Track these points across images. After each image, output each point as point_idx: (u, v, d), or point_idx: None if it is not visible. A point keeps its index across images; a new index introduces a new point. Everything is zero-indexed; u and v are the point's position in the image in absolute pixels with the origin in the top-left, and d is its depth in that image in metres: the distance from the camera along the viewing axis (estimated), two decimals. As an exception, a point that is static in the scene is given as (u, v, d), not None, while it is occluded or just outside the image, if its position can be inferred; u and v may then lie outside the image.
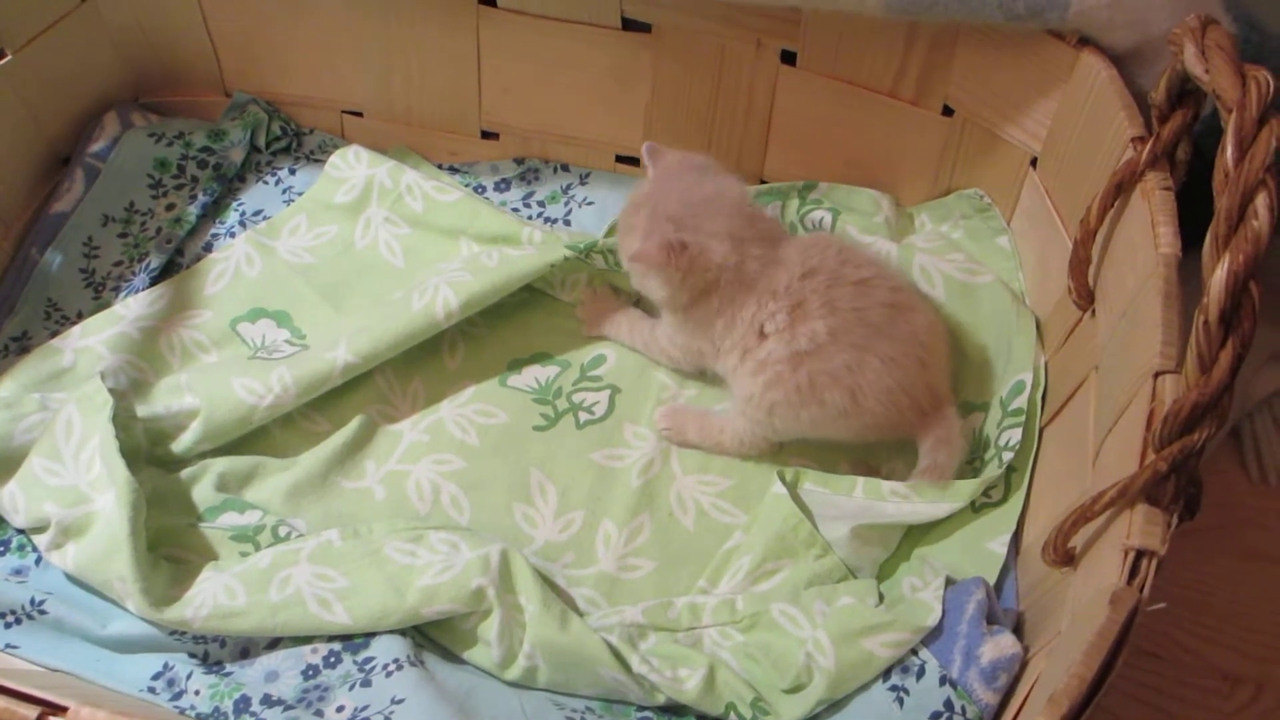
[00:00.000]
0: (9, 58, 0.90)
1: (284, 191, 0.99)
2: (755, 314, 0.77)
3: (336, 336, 0.84)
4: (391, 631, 0.71)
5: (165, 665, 0.70)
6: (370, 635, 0.71)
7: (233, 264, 0.93)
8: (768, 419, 0.78)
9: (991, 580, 0.71)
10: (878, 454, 0.82)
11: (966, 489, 0.75)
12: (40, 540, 0.75)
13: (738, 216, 0.78)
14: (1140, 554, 0.53)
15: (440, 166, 1.02)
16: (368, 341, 0.83)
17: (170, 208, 0.95)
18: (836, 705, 0.68)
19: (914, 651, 0.67)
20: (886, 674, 0.67)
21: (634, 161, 1.00)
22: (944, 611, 0.67)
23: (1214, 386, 0.51)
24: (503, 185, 1.00)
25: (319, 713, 0.67)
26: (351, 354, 0.82)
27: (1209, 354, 0.51)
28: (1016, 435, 0.76)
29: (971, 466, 0.79)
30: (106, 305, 0.89)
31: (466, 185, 1.00)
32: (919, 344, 0.76)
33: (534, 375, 0.88)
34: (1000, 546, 0.74)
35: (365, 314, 0.87)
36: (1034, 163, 0.84)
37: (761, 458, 0.82)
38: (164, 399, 0.82)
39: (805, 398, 0.76)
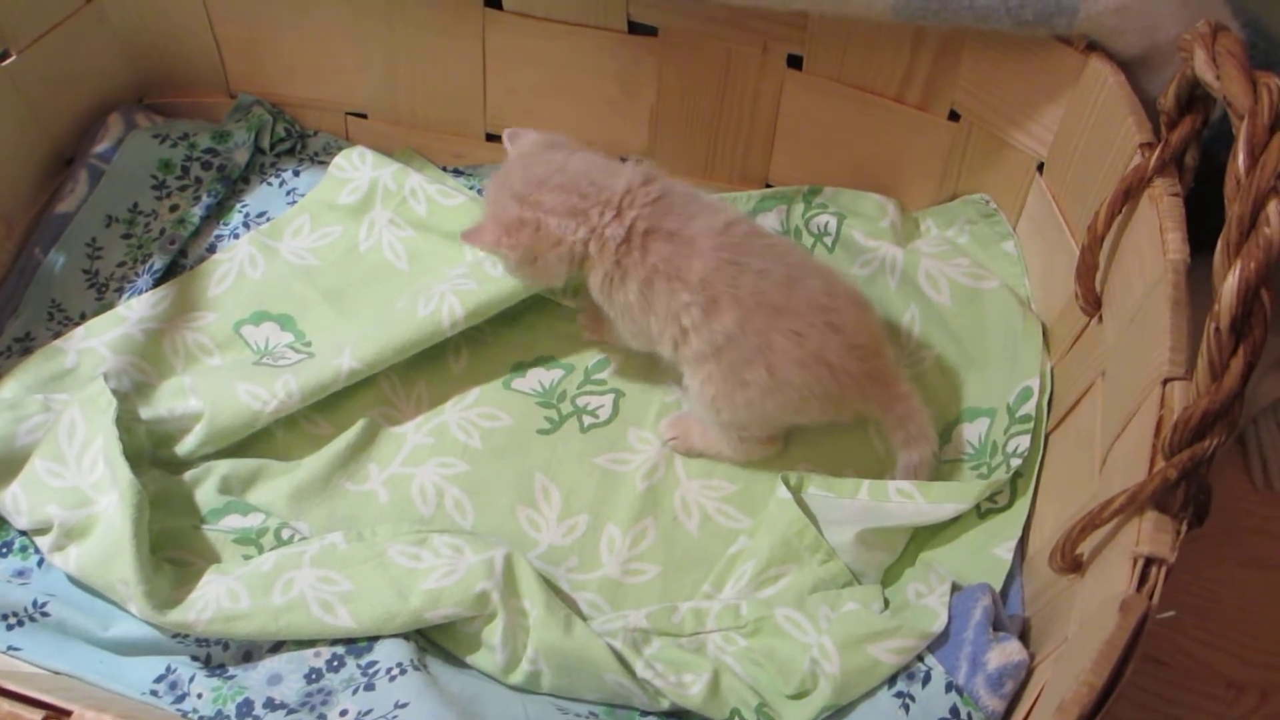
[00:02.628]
0: (13, 58, 0.90)
1: (288, 193, 0.99)
2: (669, 303, 0.76)
3: (341, 342, 0.84)
4: (395, 635, 0.71)
5: (168, 668, 0.70)
6: (374, 639, 0.71)
7: (236, 265, 0.92)
8: (715, 414, 0.78)
9: (997, 586, 0.71)
10: (883, 467, 0.82)
11: (972, 490, 0.75)
12: (43, 542, 0.74)
13: (575, 189, 0.76)
14: (1149, 561, 0.53)
15: (444, 169, 1.02)
16: (372, 348, 0.83)
17: (174, 209, 0.95)
18: (842, 711, 0.67)
19: (919, 658, 0.67)
20: (892, 680, 0.67)
21: (639, 165, 1.00)
22: (950, 617, 0.67)
23: (1225, 394, 0.51)
24: (507, 188, 1.00)
25: (322, 716, 0.67)
26: (356, 360, 0.82)
27: (1220, 361, 0.51)
28: (1025, 442, 0.76)
29: (979, 473, 0.78)
30: (110, 306, 0.89)
31: (471, 188, 1.00)
32: (820, 309, 0.75)
33: (538, 378, 0.88)
34: (1006, 552, 0.74)
35: (370, 320, 0.87)
36: (1040, 168, 0.84)
37: (766, 462, 0.82)
38: (167, 401, 0.82)
39: (731, 384, 0.76)
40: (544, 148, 0.80)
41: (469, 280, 0.86)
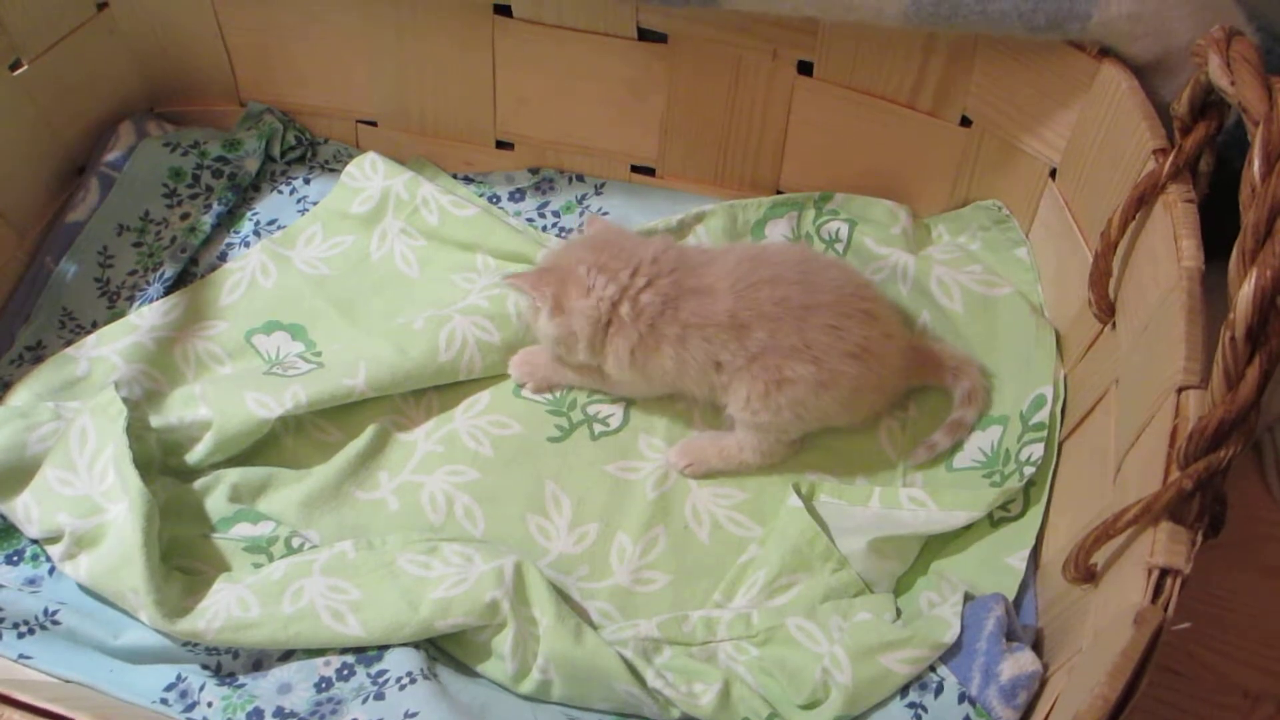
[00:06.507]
0: (25, 67, 0.90)
1: (298, 201, 0.99)
2: (706, 349, 0.77)
3: (355, 360, 0.83)
4: (405, 644, 0.71)
5: (178, 676, 0.70)
6: (384, 648, 0.71)
7: (248, 274, 0.93)
8: (753, 416, 0.78)
9: (1010, 596, 0.70)
10: (894, 477, 0.82)
11: (985, 498, 0.75)
12: (54, 550, 0.74)
13: (606, 249, 0.79)
14: (1164, 572, 0.52)
15: (455, 176, 1.02)
16: (387, 376, 0.83)
17: (185, 217, 0.95)
18: (853, 721, 0.67)
19: (932, 668, 0.67)
20: (904, 691, 0.67)
21: (650, 172, 1.00)
22: (963, 628, 0.67)
23: (1240, 403, 0.50)
24: (517, 195, 1.00)
25: (331, 725, 0.67)
26: (369, 387, 0.82)
27: (1235, 370, 0.50)
28: (1038, 450, 0.76)
29: (991, 481, 0.78)
30: (121, 314, 0.89)
31: (481, 195, 1.00)
32: (851, 296, 0.78)
33: (548, 386, 0.87)
34: (1019, 562, 0.73)
35: (384, 336, 0.86)
36: (1053, 174, 0.84)
37: (778, 468, 0.82)
38: (178, 409, 0.82)
39: (768, 384, 0.77)
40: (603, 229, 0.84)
41: (493, 332, 0.86)
